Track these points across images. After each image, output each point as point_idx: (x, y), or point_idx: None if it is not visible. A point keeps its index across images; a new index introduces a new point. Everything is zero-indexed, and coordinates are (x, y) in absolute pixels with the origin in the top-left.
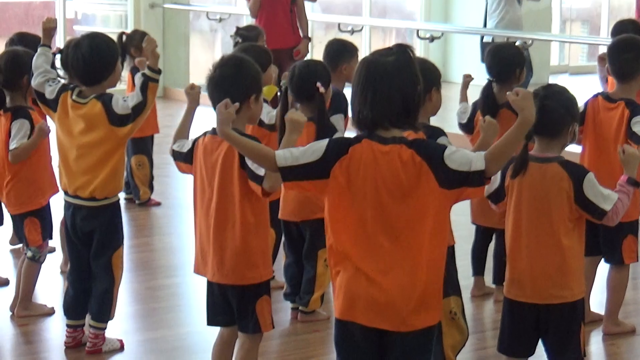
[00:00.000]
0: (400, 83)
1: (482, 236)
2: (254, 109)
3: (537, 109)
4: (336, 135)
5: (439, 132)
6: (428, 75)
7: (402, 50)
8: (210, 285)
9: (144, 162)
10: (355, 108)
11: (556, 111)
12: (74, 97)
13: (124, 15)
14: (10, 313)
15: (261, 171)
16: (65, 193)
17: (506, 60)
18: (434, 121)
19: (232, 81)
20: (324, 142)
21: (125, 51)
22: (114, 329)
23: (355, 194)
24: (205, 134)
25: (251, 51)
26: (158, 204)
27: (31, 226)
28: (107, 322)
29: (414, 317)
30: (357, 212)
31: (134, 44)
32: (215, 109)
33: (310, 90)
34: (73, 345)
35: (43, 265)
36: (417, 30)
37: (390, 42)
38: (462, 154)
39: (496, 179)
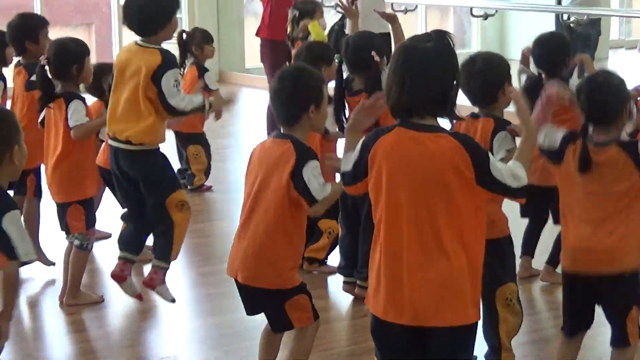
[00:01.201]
0: (438, 70)
1: (539, 219)
2: (315, 118)
3: (586, 103)
4: None
5: (505, 122)
6: (500, 69)
7: (441, 37)
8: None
9: (200, 152)
10: (392, 95)
11: (605, 102)
12: (139, 40)
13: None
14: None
15: (321, 195)
16: (109, 136)
17: (554, 51)
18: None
19: (290, 94)
20: (360, 142)
21: (186, 49)
22: (171, 313)
23: (387, 183)
24: None
25: (316, 48)
26: (209, 188)
27: (75, 213)
28: (167, 261)
29: (442, 312)
30: (390, 201)
31: (195, 42)
32: (278, 122)
33: (366, 61)
34: (119, 276)
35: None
36: (471, 8)
37: (447, 20)
38: (504, 167)
39: (556, 141)
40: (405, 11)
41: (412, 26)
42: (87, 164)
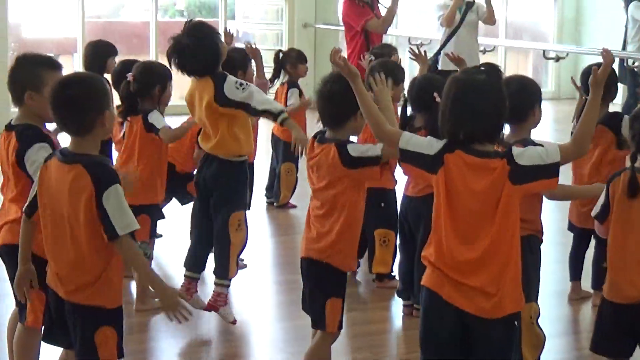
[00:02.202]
0: (494, 99)
1: (580, 242)
2: (360, 121)
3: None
4: None
5: (531, 141)
6: (532, 91)
7: (492, 69)
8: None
9: (292, 169)
10: (448, 126)
11: None
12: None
13: (280, 34)
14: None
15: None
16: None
17: None
18: None
19: (341, 97)
20: (442, 143)
21: (281, 67)
22: (244, 316)
23: (450, 200)
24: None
25: (386, 66)
26: (294, 206)
27: (142, 222)
28: (226, 279)
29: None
30: (450, 217)
31: (290, 61)
32: (322, 121)
33: (428, 101)
34: (186, 294)
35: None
36: (544, 51)
37: (526, 62)
38: (532, 150)
39: (600, 198)
40: (484, 51)
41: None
42: (160, 171)
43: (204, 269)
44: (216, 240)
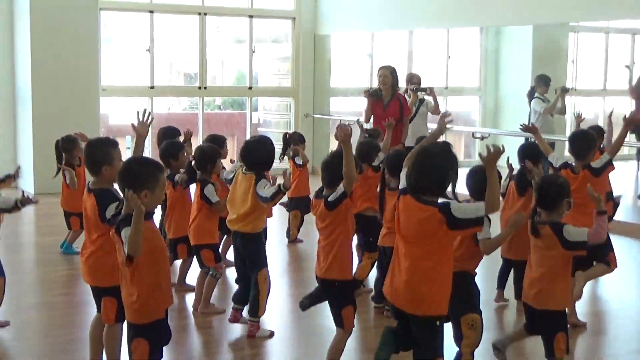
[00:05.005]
0: (440, 163)
1: (506, 265)
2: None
3: (537, 193)
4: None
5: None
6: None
7: (445, 144)
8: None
9: (298, 214)
10: (411, 178)
11: (549, 195)
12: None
13: (289, 121)
14: (193, 310)
15: None
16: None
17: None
18: None
19: (332, 167)
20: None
21: (287, 145)
22: (279, 322)
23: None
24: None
25: (365, 146)
26: (301, 241)
27: (207, 255)
28: (256, 317)
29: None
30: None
31: (293, 141)
32: (323, 184)
33: (399, 168)
34: (232, 320)
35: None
36: (472, 133)
37: (460, 140)
38: (465, 207)
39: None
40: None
41: None
42: (214, 219)
43: (247, 303)
44: (251, 290)
